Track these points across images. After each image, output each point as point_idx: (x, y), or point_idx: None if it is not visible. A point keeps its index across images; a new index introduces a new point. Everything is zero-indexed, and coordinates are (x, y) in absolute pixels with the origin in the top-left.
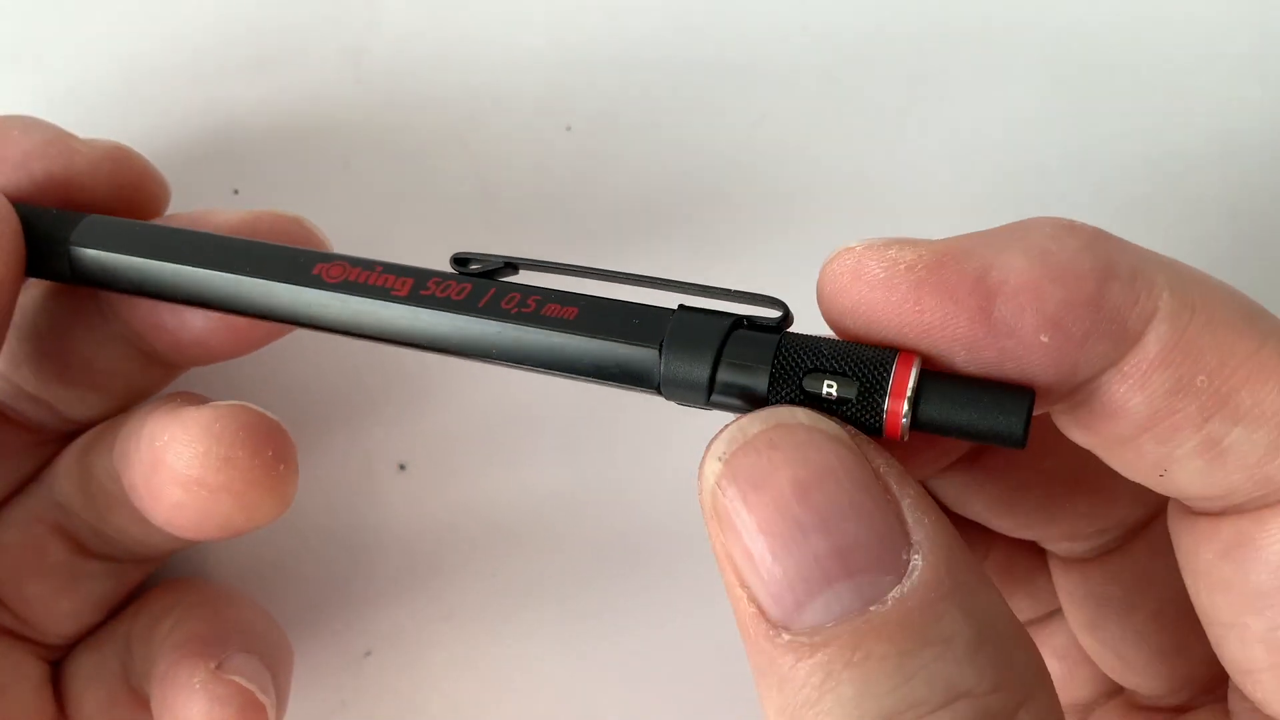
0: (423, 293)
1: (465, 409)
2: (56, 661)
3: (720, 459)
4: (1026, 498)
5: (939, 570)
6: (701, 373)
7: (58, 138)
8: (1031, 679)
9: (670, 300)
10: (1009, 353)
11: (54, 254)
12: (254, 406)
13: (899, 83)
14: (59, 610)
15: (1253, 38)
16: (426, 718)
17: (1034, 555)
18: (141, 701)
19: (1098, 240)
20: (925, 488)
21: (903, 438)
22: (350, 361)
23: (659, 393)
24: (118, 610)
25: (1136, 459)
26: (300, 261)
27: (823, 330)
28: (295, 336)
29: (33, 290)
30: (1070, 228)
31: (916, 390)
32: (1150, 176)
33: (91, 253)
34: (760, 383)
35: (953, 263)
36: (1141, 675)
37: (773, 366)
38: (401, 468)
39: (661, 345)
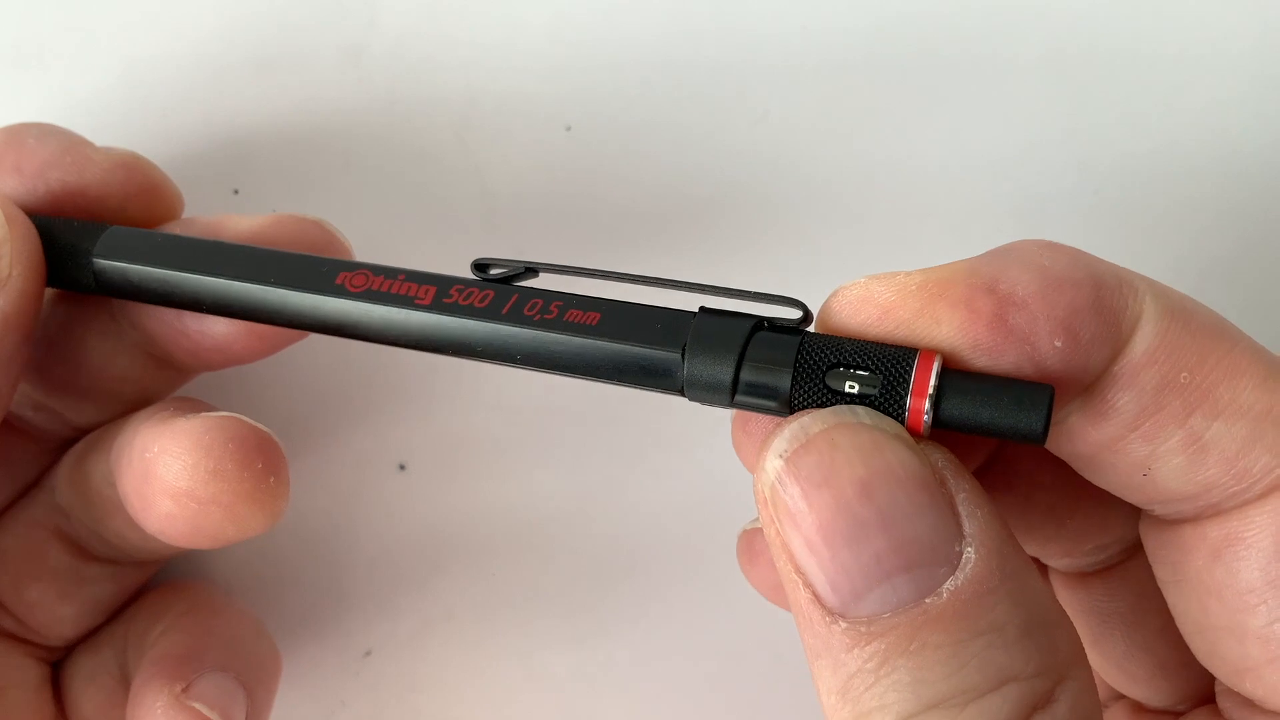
0: (445, 300)
1: (465, 409)
2: (56, 663)
3: (782, 456)
4: (1028, 514)
5: (990, 562)
6: (725, 375)
7: (73, 145)
8: (1070, 659)
9: (690, 302)
10: (1025, 359)
11: (77, 265)
12: (244, 419)
13: (899, 82)
14: (60, 613)
15: (1253, 38)
16: (426, 718)
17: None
18: None
19: (1081, 255)
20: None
21: (925, 435)
22: (351, 361)
23: (682, 394)
24: (118, 612)
25: (1120, 462)
26: (323, 271)
27: None
28: (300, 337)
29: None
30: (1056, 246)
31: (938, 388)
32: (1150, 176)
33: (115, 264)
34: (783, 381)
35: (961, 279)
36: (1145, 686)
37: (795, 365)
38: (401, 468)
39: (684, 349)
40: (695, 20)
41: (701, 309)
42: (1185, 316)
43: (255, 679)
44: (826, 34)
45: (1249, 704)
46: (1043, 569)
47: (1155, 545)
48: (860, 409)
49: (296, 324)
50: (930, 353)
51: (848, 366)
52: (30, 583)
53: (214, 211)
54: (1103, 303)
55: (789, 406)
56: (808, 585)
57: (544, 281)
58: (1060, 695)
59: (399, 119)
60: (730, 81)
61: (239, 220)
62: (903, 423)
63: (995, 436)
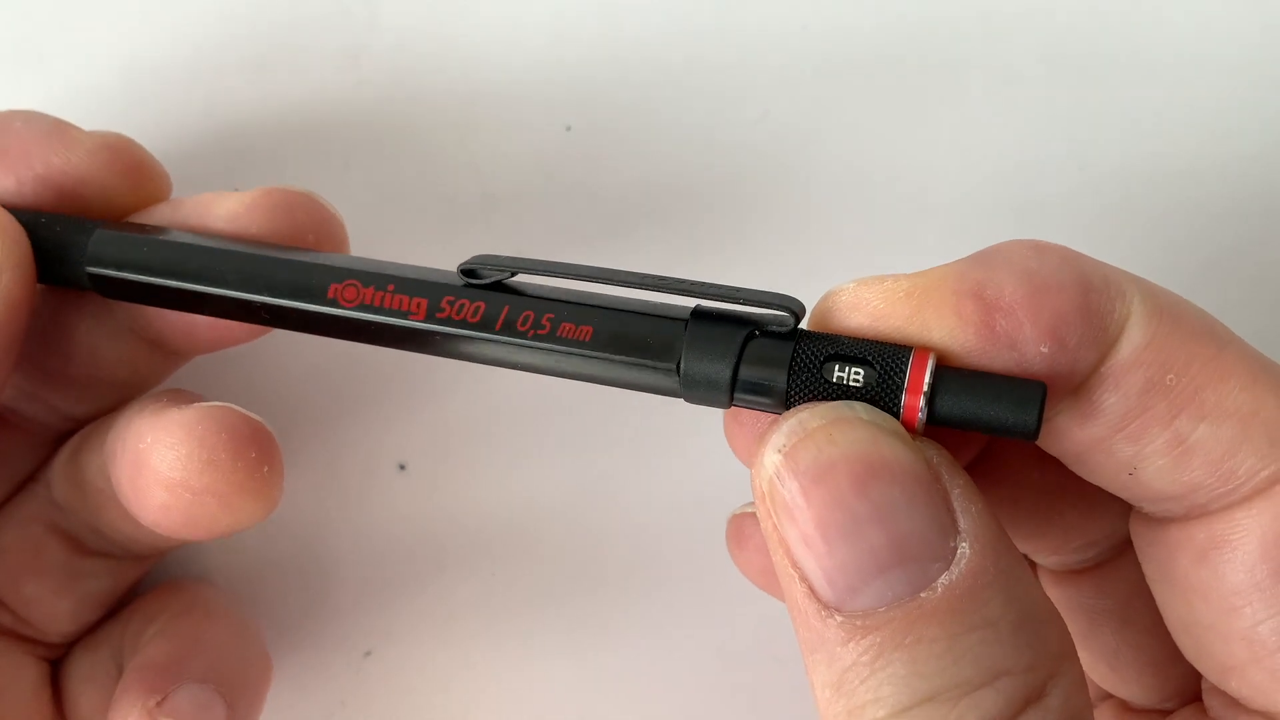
0: (438, 315)
1: (465, 409)
2: (55, 661)
3: (780, 451)
4: (1016, 511)
5: (985, 557)
6: (722, 381)
7: (58, 129)
8: (1060, 653)
9: (686, 301)
10: (1013, 362)
11: (67, 263)
12: (237, 408)
13: (899, 82)
14: (57, 609)
15: (1253, 38)
16: (426, 718)
17: None
18: None
19: (1072, 257)
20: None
21: (919, 431)
22: (350, 360)
23: (677, 395)
24: (116, 609)
25: (1106, 460)
26: (314, 283)
27: None
28: (296, 336)
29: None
30: (1045, 248)
31: (933, 385)
32: (1150, 176)
33: (106, 269)
34: (779, 380)
35: (949, 284)
36: (1133, 685)
37: (791, 363)
38: (401, 468)
39: (679, 362)
40: (695, 20)
41: (694, 315)
42: (1174, 318)
43: (239, 689)
44: (826, 34)
45: (1234, 703)
46: (1032, 566)
47: (1144, 543)
48: (858, 404)
49: (291, 328)
50: (925, 350)
51: (844, 361)
52: (27, 578)
53: None
54: (1089, 306)
55: (785, 403)
56: (803, 579)
57: (538, 280)
58: (1052, 690)
59: (399, 119)
60: (730, 81)
61: (225, 200)
62: (898, 419)
63: (989, 433)
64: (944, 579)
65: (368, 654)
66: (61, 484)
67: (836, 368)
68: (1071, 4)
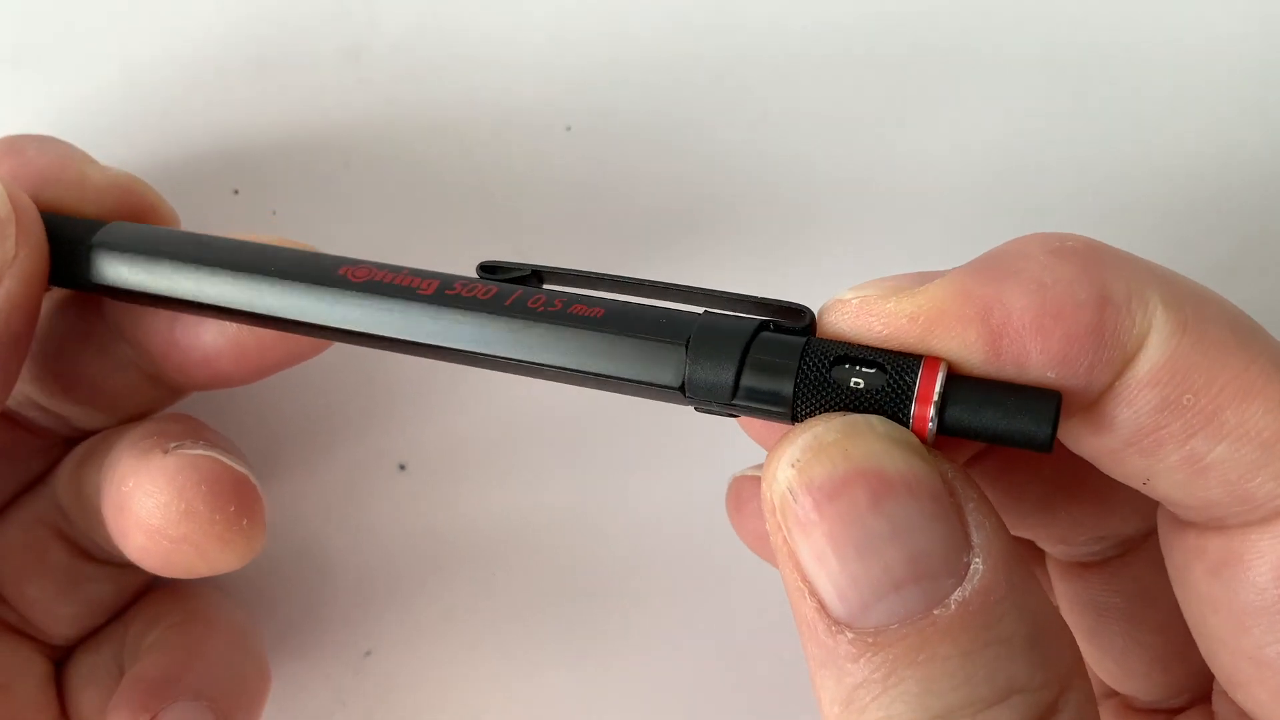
0: (448, 293)
1: (466, 410)
2: (61, 660)
3: (793, 465)
4: (1025, 496)
5: (998, 573)
6: (728, 370)
7: (72, 161)
8: (1073, 669)
9: (693, 309)
10: (1022, 380)
11: (75, 260)
12: (221, 458)
13: (899, 82)
14: (59, 612)
15: (1253, 38)
16: (426, 718)
17: (1032, 555)
18: None
19: (1090, 261)
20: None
21: (930, 442)
22: (351, 362)
23: (682, 393)
24: (119, 613)
25: (1120, 469)
26: (324, 264)
27: None
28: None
29: (44, 306)
30: (1062, 251)
31: (944, 394)
32: (1150, 177)
33: (112, 263)
34: (787, 376)
35: (953, 308)
36: (1140, 682)
37: (800, 360)
38: (401, 468)
39: (688, 342)
40: (695, 20)
41: (706, 311)
42: (1199, 330)
43: (234, 704)
44: (826, 34)
45: (1242, 711)
46: (1039, 555)
47: (1168, 540)
48: (875, 419)
49: (293, 321)
50: (936, 359)
51: (853, 363)
52: (30, 579)
53: (213, 211)
54: (1105, 327)
55: (792, 405)
56: (813, 594)
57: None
58: (1064, 706)
59: (399, 119)
60: (730, 81)
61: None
62: (908, 427)
63: (1000, 444)
64: (957, 595)
65: (368, 654)
66: (63, 493)
67: (846, 369)
68: (1072, 4)
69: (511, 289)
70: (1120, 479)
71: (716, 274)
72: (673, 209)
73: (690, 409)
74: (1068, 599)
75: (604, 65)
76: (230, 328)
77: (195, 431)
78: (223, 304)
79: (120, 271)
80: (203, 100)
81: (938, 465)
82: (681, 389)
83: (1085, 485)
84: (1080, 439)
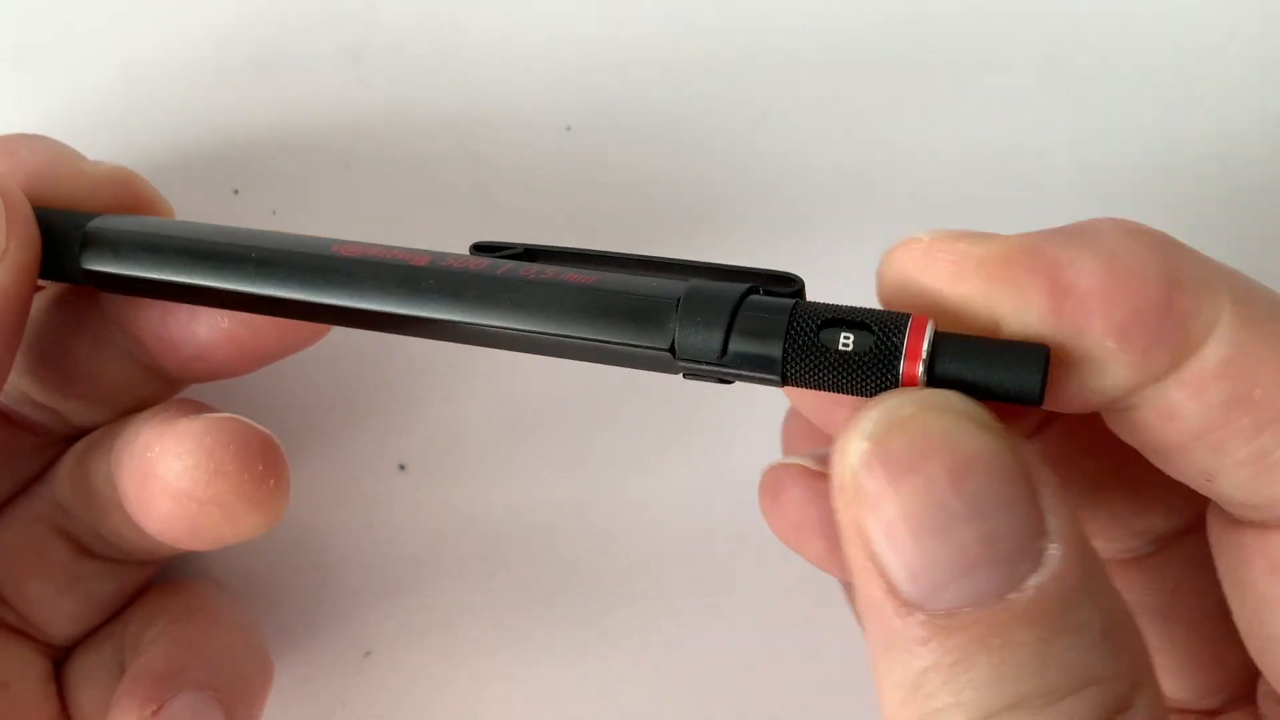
0: (441, 264)
1: (465, 409)
2: (61, 659)
3: (868, 438)
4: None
5: (1073, 560)
6: (718, 329)
7: (64, 159)
8: (1144, 662)
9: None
10: (1076, 348)
11: (67, 252)
12: (245, 420)
13: (899, 81)
14: (59, 610)
15: (1253, 37)
16: (426, 718)
17: None
18: None
19: (1164, 245)
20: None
21: None
22: (351, 360)
23: (672, 354)
24: (119, 611)
25: (1184, 463)
26: (316, 243)
27: None
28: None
29: (38, 301)
30: (1137, 231)
31: (932, 349)
32: (1150, 177)
33: (103, 253)
34: (775, 338)
35: (1024, 259)
36: (1175, 681)
37: (790, 320)
38: (401, 468)
39: (679, 302)
40: (695, 20)
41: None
42: (1268, 327)
43: (237, 696)
44: (826, 34)
45: None
46: None
47: (1220, 540)
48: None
49: (289, 303)
50: (924, 316)
51: (841, 326)
52: (30, 578)
53: (213, 211)
54: (1171, 307)
55: (782, 366)
56: (882, 574)
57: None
58: (1137, 700)
59: (399, 118)
60: (730, 81)
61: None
62: (896, 384)
63: (991, 399)
64: (1034, 580)
65: (368, 654)
66: (66, 487)
67: (834, 331)
68: (1072, 3)
69: (504, 261)
70: (1181, 477)
71: None
72: (673, 209)
73: (690, 414)
74: None
75: (604, 65)
76: (223, 319)
77: (209, 408)
78: (215, 286)
79: (111, 261)
80: (203, 100)
81: (1016, 448)
82: (671, 349)
83: (1126, 481)
84: (1150, 429)
